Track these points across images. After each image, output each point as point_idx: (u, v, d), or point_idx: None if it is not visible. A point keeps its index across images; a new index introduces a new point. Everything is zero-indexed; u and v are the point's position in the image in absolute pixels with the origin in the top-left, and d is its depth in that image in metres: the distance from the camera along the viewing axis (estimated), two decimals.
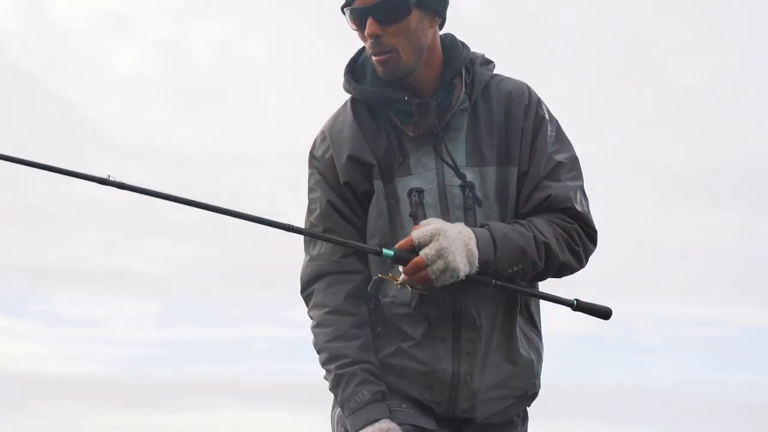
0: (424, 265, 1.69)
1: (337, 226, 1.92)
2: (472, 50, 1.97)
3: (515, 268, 1.78)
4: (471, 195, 1.85)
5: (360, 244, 1.84)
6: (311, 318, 1.96)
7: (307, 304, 2.00)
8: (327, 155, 1.95)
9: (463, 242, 1.70)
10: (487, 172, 1.87)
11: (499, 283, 1.77)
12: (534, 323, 1.98)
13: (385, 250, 1.72)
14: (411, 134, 1.89)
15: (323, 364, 1.93)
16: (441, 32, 1.95)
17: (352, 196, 1.92)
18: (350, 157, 1.91)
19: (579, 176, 1.94)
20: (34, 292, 10.61)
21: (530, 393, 1.98)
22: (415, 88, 1.89)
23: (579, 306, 1.86)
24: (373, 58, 1.85)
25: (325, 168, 1.96)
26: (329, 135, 1.96)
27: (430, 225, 1.72)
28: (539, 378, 1.99)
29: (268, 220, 1.76)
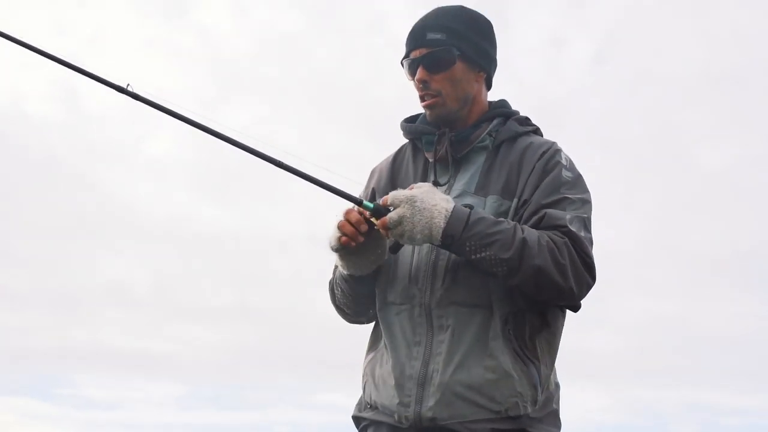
0: (387, 226, 1.86)
1: None
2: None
3: (482, 254, 1.86)
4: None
5: (344, 191, 1.95)
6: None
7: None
8: (364, 187, 2.29)
9: (430, 215, 1.84)
10: (489, 200, 2.02)
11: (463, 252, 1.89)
12: (534, 351, 1.98)
13: (365, 202, 1.91)
14: (430, 160, 2.13)
15: (331, 296, 2.25)
16: (497, 98, 2.22)
17: None
18: (373, 189, 2.23)
19: (585, 212, 2.01)
20: (60, 375, 10.60)
21: (512, 414, 1.93)
22: (452, 127, 2.13)
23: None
24: (422, 103, 2.12)
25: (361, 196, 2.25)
26: (372, 170, 2.31)
27: (409, 191, 1.90)
28: (525, 401, 1.94)
29: (260, 152, 1.96)
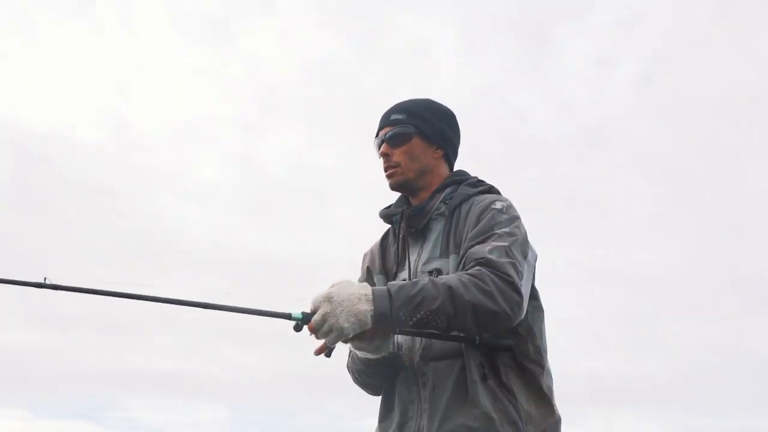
0: (314, 329, 1.98)
1: None
2: (478, 177, 2.43)
3: (418, 316, 1.98)
4: (437, 276, 2.13)
5: (271, 311, 2.06)
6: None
7: None
8: (360, 270, 2.54)
9: (350, 303, 1.96)
10: (451, 259, 2.23)
11: (405, 330, 2.03)
12: (511, 389, 2.13)
13: (293, 314, 2.02)
14: (400, 235, 2.38)
15: (352, 377, 2.41)
16: (455, 168, 2.48)
17: None
18: (366, 269, 2.48)
19: (508, 242, 2.13)
20: (111, 398, 10.75)
21: None
22: (412, 196, 2.43)
23: (482, 342, 2.09)
24: (385, 173, 2.40)
25: (359, 278, 2.53)
26: (363, 254, 2.56)
27: (325, 290, 2.01)
28: None
29: (187, 301, 2.05)
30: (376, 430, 2.35)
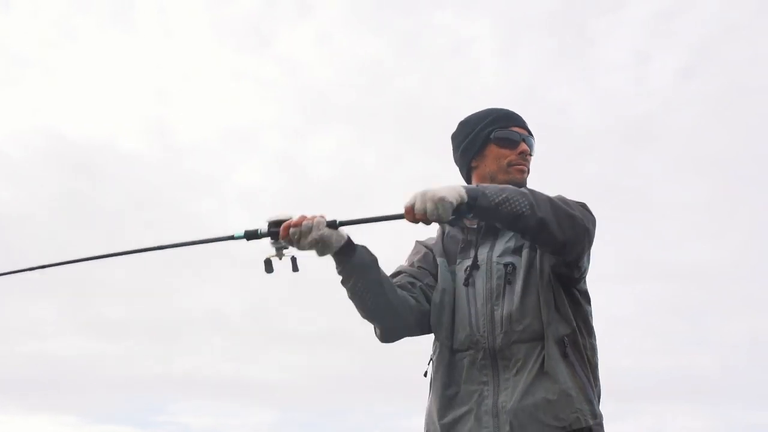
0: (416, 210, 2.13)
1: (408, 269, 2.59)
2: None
3: (503, 195, 2.15)
4: (511, 269, 2.38)
5: (217, 237, 2.44)
6: None
7: None
8: (419, 246, 2.65)
9: (443, 187, 2.10)
10: (524, 255, 2.39)
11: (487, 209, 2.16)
12: (590, 369, 2.31)
13: (236, 234, 2.34)
14: (470, 226, 2.53)
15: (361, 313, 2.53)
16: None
17: (425, 272, 2.55)
18: (428, 250, 2.59)
19: (580, 209, 2.30)
20: (158, 403, 10.86)
21: (576, 427, 2.22)
22: None
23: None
24: (516, 166, 2.53)
25: (416, 250, 2.65)
26: (416, 242, 2.67)
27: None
28: (585, 414, 2.23)
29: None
30: (433, 427, 2.41)
